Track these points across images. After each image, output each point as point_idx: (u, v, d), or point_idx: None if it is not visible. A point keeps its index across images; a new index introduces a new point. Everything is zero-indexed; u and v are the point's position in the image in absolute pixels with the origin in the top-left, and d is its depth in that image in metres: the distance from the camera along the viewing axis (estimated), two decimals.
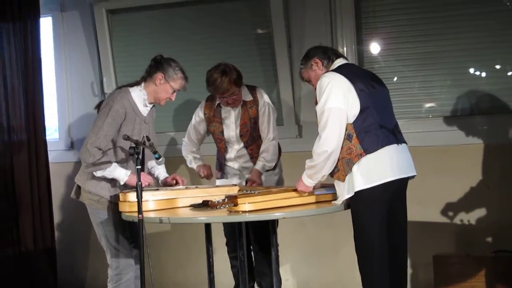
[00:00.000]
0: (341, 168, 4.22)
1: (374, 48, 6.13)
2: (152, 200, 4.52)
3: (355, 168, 4.18)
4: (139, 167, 4.23)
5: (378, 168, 4.18)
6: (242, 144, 5.37)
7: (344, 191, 4.24)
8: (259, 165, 5.29)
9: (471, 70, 5.92)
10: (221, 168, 5.47)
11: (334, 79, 4.24)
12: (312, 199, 4.43)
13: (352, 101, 4.21)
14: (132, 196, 4.43)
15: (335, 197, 4.38)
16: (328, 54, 4.48)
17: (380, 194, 4.19)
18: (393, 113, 4.46)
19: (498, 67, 5.87)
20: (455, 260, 5.52)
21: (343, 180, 4.22)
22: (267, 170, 5.36)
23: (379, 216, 4.21)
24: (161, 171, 5.03)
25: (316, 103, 4.28)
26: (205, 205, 4.33)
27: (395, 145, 4.27)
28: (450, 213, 5.83)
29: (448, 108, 5.96)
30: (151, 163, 4.98)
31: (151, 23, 6.77)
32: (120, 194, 4.56)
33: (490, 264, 5.39)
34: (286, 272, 6.26)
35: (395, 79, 6.08)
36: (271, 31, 6.26)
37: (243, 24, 6.46)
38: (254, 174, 5.26)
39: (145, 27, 6.79)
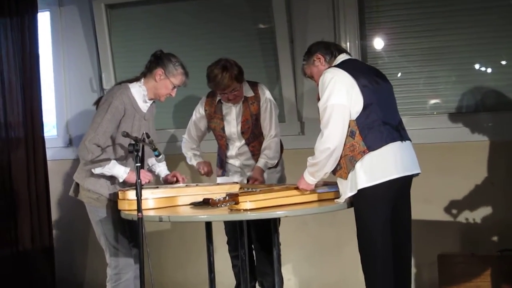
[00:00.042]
0: (344, 166, 4.22)
1: (378, 43, 6.13)
2: (151, 198, 4.53)
3: (358, 165, 4.18)
4: (139, 164, 4.23)
5: (381, 165, 4.18)
6: (243, 141, 5.37)
7: (347, 189, 4.24)
8: (261, 162, 5.29)
9: (477, 66, 5.92)
10: (222, 165, 5.47)
11: (337, 75, 4.24)
12: (314, 197, 4.43)
13: (355, 97, 4.21)
14: (131, 194, 4.43)
15: (337, 195, 4.39)
16: (330, 49, 4.49)
17: (384, 192, 4.19)
18: (397, 109, 4.46)
19: (504, 63, 5.87)
20: (460, 259, 5.52)
21: (346, 178, 4.22)
22: (269, 168, 5.36)
23: (382, 215, 4.21)
24: (162, 169, 5.03)
25: (319, 99, 4.28)
26: (206, 203, 4.33)
27: (399, 142, 4.27)
28: (455, 212, 5.83)
29: (453, 105, 5.96)
30: (151, 161, 4.98)
31: (150, 18, 6.76)
32: (119, 192, 4.56)
33: (496, 263, 5.39)
34: (288, 272, 6.26)
35: (399, 75, 6.08)
36: (273, 26, 6.26)
37: (244, 19, 6.46)
38: (256, 171, 5.27)
39: (144, 22, 6.79)
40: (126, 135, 4.34)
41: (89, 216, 4.83)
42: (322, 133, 4.20)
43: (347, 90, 4.20)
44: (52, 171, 6.80)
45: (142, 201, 4.23)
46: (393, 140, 4.24)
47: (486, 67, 5.92)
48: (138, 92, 4.74)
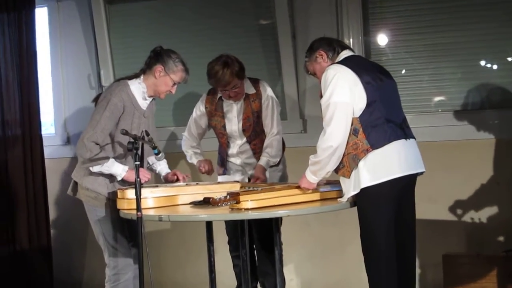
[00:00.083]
0: (347, 164, 4.23)
1: (382, 39, 6.13)
2: (151, 197, 4.53)
3: (361, 164, 4.18)
4: (138, 162, 4.23)
5: (385, 164, 4.19)
6: (244, 139, 5.38)
7: (350, 188, 4.24)
8: (263, 160, 5.29)
9: (482, 63, 5.92)
10: (223, 164, 5.48)
11: (340, 72, 4.24)
12: (316, 196, 4.43)
13: (359, 94, 4.21)
14: (130, 193, 4.43)
15: (340, 194, 4.39)
16: (333, 45, 4.49)
17: (388, 191, 4.20)
18: (401, 107, 4.46)
19: (510, 59, 5.87)
20: (465, 260, 5.52)
21: (349, 177, 4.23)
22: (271, 166, 5.36)
23: (386, 214, 4.21)
24: (163, 167, 5.04)
25: (321, 97, 4.28)
26: (206, 202, 4.33)
27: (403, 140, 4.27)
28: (460, 211, 5.83)
29: (458, 102, 5.96)
30: (152, 159, 4.98)
31: (150, 14, 6.77)
32: (118, 191, 4.56)
33: (502, 264, 5.39)
34: (290, 272, 6.26)
35: (404, 71, 6.09)
36: (274, 22, 6.26)
37: (246, 15, 6.46)
38: (258, 170, 5.27)
39: (144, 18, 6.79)
40: (125, 133, 4.34)
41: (88, 215, 4.83)
42: (325, 131, 4.21)
43: (350, 87, 4.20)
44: (50, 170, 6.81)
45: (142, 200, 4.23)
46: (397, 138, 4.25)
47: (492, 64, 5.92)
48: (138, 89, 4.74)
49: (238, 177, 5.39)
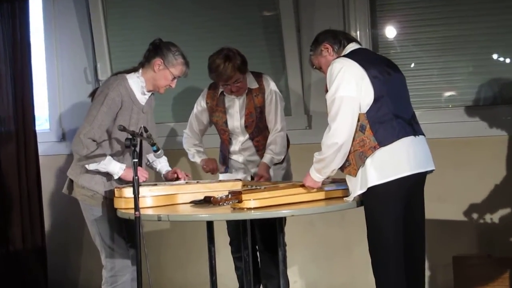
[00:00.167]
0: (353, 162, 4.23)
1: (390, 32, 6.13)
2: (150, 196, 4.53)
3: (368, 161, 4.18)
4: (136, 160, 4.24)
5: (393, 161, 4.19)
6: (247, 136, 5.38)
7: (357, 187, 4.24)
8: (267, 158, 5.29)
9: (495, 56, 5.93)
10: (225, 161, 5.48)
11: (346, 65, 4.24)
12: (321, 195, 4.43)
13: (366, 89, 4.21)
14: (128, 192, 4.43)
15: (346, 193, 4.39)
16: (338, 38, 4.48)
17: (396, 190, 4.20)
18: (410, 102, 4.46)
19: None
20: (476, 261, 5.53)
21: (355, 175, 4.23)
22: (275, 164, 5.37)
23: (394, 214, 4.21)
24: (163, 165, 5.04)
25: (327, 91, 4.29)
26: (207, 201, 4.33)
27: (412, 137, 4.27)
28: (471, 211, 5.83)
29: (470, 97, 5.97)
30: (152, 156, 4.98)
31: (148, 5, 6.77)
32: (115, 190, 4.56)
33: None
34: (294, 274, 6.28)
35: (413, 65, 6.09)
36: (278, 13, 6.27)
37: (248, 6, 6.46)
38: (262, 168, 5.27)
39: (142, 9, 6.79)
40: (123, 129, 4.33)
41: (84, 214, 4.84)
42: (330, 127, 4.21)
43: (356, 82, 4.20)
44: (44, 167, 6.82)
45: (140, 199, 4.23)
46: (406, 134, 4.24)
47: (505, 57, 5.92)
48: (136, 83, 4.75)
49: (240, 175, 5.40)
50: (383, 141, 4.18)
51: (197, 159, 5.50)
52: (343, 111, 4.17)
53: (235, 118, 5.36)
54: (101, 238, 4.79)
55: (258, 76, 5.38)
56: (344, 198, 4.38)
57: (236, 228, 5.32)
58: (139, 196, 4.21)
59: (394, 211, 4.21)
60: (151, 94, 4.87)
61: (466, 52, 5.95)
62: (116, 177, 4.66)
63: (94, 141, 4.57)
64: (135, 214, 4.17)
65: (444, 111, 5.98)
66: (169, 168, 5.02)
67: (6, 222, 6.59)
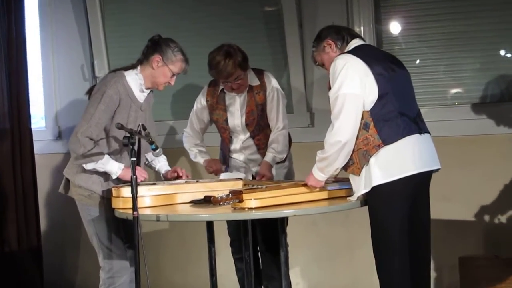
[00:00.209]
0: (357, 161, 4.23)
1: (394, 27, 6.13)
2: (148, 196, 4.53)
3: (372, 160, 4.19)
4: (134, 159, 4.24)
5: (398, 160, 4.19)
6: (248, 134, 5.39)
7: (360, 186, 4.25)
8: (269, 157, 5.30)
9: (502, 52, 5.92)
10: (225, 160, 5.48)
11: (350, 62, 4.25)
12: (324, 195, 4.44)
13: (370, 86, 4.22)
14: (126, 191, 4.44)
15: (350, 193, 4.40)
16: (342, 34, 4.49)
17: (401, 190, 4.20)
18: (415, 99, 4.47)
19: None
20: (483, 262, 5.53)
21: (359, 174, 4.23)
22: (277, 163, 5.37)
23: (399, 214, 4.21)
24: (162, 164, 5.04)
25: (330, 88, 4.29)
26: (207, 201, 4.34)
27: (417, 135, 4.28)
28: (478, 211, 5.83)
29: (477, 94, 5.96)
30: (151, 155, 4.98)
31: (147, 0, 6.77)
32: (113, 189, 4.56)
33: None
34: (296, 275, 6.28)
35: (418, 62, 6.09)
36: (280, 9, 6.26)
37: (249, 1, 6.47)
38: (263, 167, 5.27)
39: (140, 4, 6.79)
40: (121, 127, 4.33)
41: (81, 214, 4.84)
42: (333, 124, 4.21)
43: (360, 78, 4.21)
44: (40, 166, 6.83)
45: (138, 198, 4.24)
46: (411, 132, 4.25)
47: None
48: (134, 80, 4.75)
49: (241, 174, 5.40)
50: (387, 140, 4.18)
51: (200, 160, 5.50)
52: (347, 109, 4.17)
53: (236, 116, 5.36)
54: (98, 239, 4.80)
55: (259, 73, 5.38)
56: (348, 198, 4.39)
57: (236, 229, 5.32)
58: (138, 195, 4.22)
59: (399, 211, 4.22)
60: (150, 92, 4.87)
61: (473, 48, 5.95)
62: (114, 177, 4.67)
63: (91, 139, 4.57)
64: (133, 214, 4.17)
65: (450, 109, 5.98)
66: (169, 168, 5.03)
67: (1, 222, 6.59)
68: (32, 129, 6.73)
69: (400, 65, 4.47)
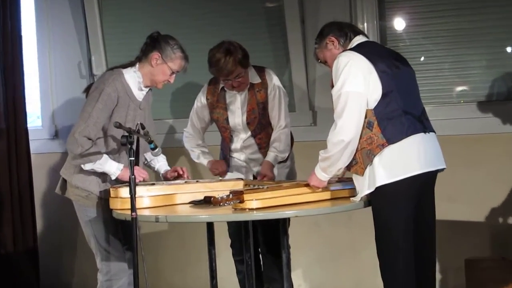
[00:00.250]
0: (360, 160, 4.23)
1: (399, 23, 6.14)
2: (147, 196, 4.54)
3: (376, 160, 4.19)
4: (132, 158, 4.24)
5: (402, 160, 4.19)
6: (249, 133, 5.39)
7: (364, 186, 4.25)
8: (270, 156, 5.30)
9: (509, 49, 5.93)
10: (226, 160, 5.48)
11: (353, 59, 4.25)
12: (327, 195, 4.44)
13: (373, 84, 4.22)
14: (124, 192, 4.44)
15: (353, 193, 4.40)
16: (345, 31, 4.49)
17: (405, 190, 4.20)
18: (419, 97, 4.47)
19: None
20: (490, 264, 5.53)
21: (362, 174, 4.23)
22: (279, 162, 5.37)
23: (404, 214, 4.21)
24: (161, 164, 5.04)
25: (332, 86, 4.29)
26: (207, 201, 4.34)
27: (422, 134, 4.28)
28: (484, 211, 5.84)
29: (483, 92, 5.97)
30: (149, 155, 4.99)
31: None
32: (111, 189, 4.57)
33: None
34: (298, 277, 6.29)
35: (422, 59, 6.10)
36: (281, 5, 6.27)
37: None
38: (265, 166, 5.28)
39: (139, 0, 6.79)
40: (119, 126, 4.34)
41: (78, 215, 4.85)
42: (336, 123, 4.21)
43: (364, 76, 4.21)
44: (36, 166, 6.83)
45: (137, 199, 4.24)
46: (416, 131, 4.25)
47: None
48: (133, 78, 4.75)
49: (242, 174, 5.40)
50: (391, 139, 4.18)
51: (204, 161, 5.49)
52: (350, 107, 4.17)
53: (237, 114, 5.36)
54: (96, 240, 4.80)
55: (260, 71, 5.38)
56: (351, 198, 4.39)
57: (237, 230, 5.32)
58: (136, 196, 4.22)
59: (404, 212, 4.22)
60: (149, 90, 4.87)
61: (479, 45, 5.95)
62: (113, 177, 4.67)
63: (89, 139, 4.57)
64: (131, 215, 4.17)
65: (455, 107, 5.98)
66: (168, 167, 5.03)
67: None
68: (28, 128, 6.73)
69: (404, 62, 4.47)
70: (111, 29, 6.86)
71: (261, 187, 4.42)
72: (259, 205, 4.16)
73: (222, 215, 4.33)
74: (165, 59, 4.70)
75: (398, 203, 4.20)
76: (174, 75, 4.77)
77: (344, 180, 4.54)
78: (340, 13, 5.95)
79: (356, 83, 4.19)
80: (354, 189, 4.38)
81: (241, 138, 5.40)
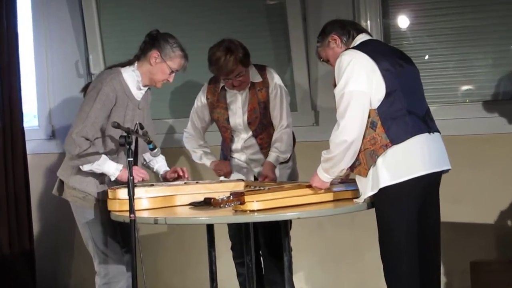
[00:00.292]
0: (363, 161, 4.23)
1: (403, 21, 6.14)
2: (146, 198, 4.53)
3: (380, 161, 4.19)
4: (131, 159, 4.24)
5: (406, 161, 4.19)
6: (250, 133, 5.39)
7: (367, 188, 4.25)
8: (272, 156, 5.30)
9: None
10: (226, 160, 5.49)
11: (356, 58, 4.25)
12: (330, 196, 4.44)
13: (377, 83, 4.22)
14: (122, 193, 4.44)
15: (356, 195, 4.40)
16: (347, 29, 4.48)
17: (409, 191, 4.20)
18: (424, 97, 4.47)
19: None
20: (496, 266, 5.53)
21: (366, 175, 4.23)
22: (281, 163, 5.37)
23: (407, 216, 4.21)
24: (161, 165, 5.04)
25: (335, 86, 4.29)
26: (207, 203, 4.34)
27: (426, 134, 4.28)
28: (489, 213, 5.84)
29: (488, 91, 5.97)
30: (149, 156, 4.98)
31: None
32: (109, 191, 4.57)
33: None
34: (300, 280, 6.29)
35: (427, 57, 6.10)
36: (283, 2, 6.27)
37: None
38: (266, 167, 5.28)
39: None
40: (117, 126, 4.33)
41: (75, 217, 4.84)
42: (338, 123, 4.21)
43: (367, 75, 4.21)
44: (33, 167, 6.83)
45: (135, 200, 4.24)
46: (420, 132, 4.25)
47: None
48: (131, 77, 4.75)
49: (242, 175, 5.40)
50: (395, 139, 4.18)
51: (207, 162, 5.48)
52: (353, 107, 4.17)
53: (238, 114, 5.36)
54: (93, 243, 4.80)
55: (261, 69, 5.38)
56: (354, 200, 4.39)
57: (238, 232, 5.32)
58: (135, 197, 4.22)
59: (408, 213, 4.22)
60: (148, 89, 4.87)
61: (484, 43, 5.95)
62: (113, 178, 4.66)
63: (87, 139, 4.56)
64: (130, 216, 4.17)
65: (460, 106, 5.98)
66: (167, 168, 5.02)
67: None
68: (25, 128, 6.74)
69: (408, 61, 4.47)
70: (109, 27, 6.86)
71: (262, 188, 4.42)
72: (260, 206, 4.16)
73: (222, 217, 4.32)
74: (164, 57, 4.70)
75: (401, 205, 4.20)
76: (173, 74, 4.77)
77: (347, 181, 4.54)
78: (343, 11, 5.96)
79: (359, 82, 4.19)
80: (357, 190, 4.38)
81: (242, 138, 5.40)
